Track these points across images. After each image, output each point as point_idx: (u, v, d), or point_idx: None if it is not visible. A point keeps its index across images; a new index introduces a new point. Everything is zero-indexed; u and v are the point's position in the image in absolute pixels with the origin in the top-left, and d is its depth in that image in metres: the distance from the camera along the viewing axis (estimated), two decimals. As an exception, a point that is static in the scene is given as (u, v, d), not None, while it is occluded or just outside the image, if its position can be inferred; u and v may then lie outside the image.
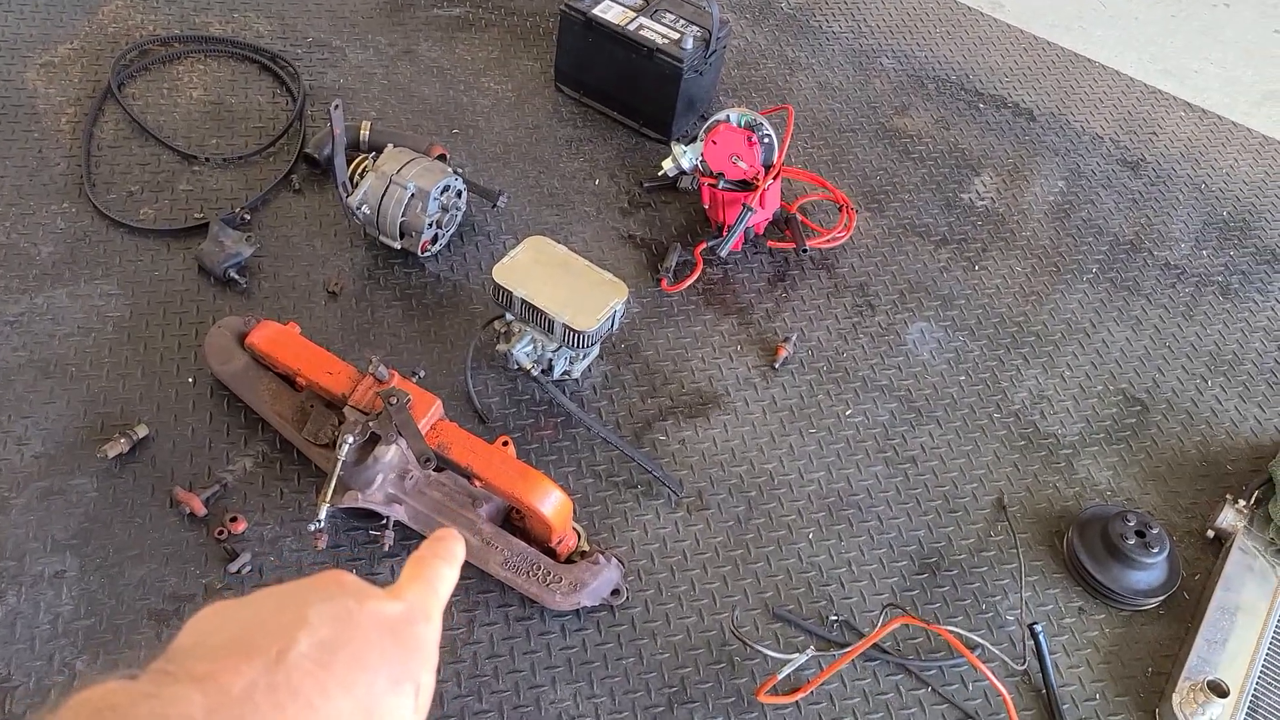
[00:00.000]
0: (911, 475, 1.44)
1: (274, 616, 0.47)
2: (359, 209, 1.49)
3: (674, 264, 1.62)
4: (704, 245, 1.65)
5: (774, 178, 1.60)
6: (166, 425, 1.32)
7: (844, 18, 2.22)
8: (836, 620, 1.27)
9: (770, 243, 1.69)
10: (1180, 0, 3.09)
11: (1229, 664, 1.25)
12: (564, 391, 1.44)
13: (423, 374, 1.33)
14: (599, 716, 1.16)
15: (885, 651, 1.25)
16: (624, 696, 1.17)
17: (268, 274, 1.52)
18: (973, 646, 1.24)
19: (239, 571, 1.20)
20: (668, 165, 1.66)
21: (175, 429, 1.32)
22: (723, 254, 1.63)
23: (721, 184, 1.62)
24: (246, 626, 0.46)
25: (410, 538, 1.23)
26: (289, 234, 1.58)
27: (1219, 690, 1.20)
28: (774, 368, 1.53)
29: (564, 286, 1.37)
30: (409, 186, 1.48)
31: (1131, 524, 1.33)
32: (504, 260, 1.38)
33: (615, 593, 1.24)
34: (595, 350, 1.47)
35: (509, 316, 1.41)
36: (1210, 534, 1.41)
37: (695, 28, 1.76)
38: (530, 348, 1.41)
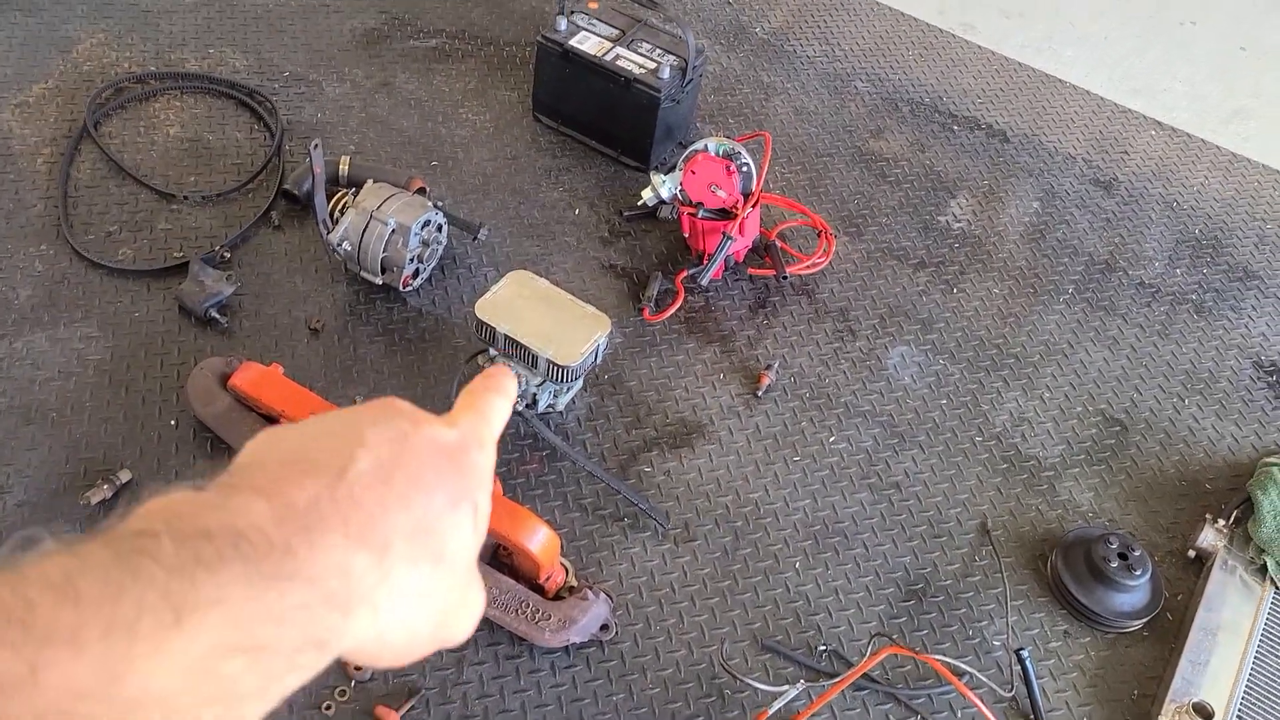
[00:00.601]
0: (896, 501, 1.45)
1: (331, 438, 0.49)
2: (340, 246, 1.49)
3: (655, 293, 1.63)
4: (685, 273, 1.66)
5: (753, 205, 1.61)
6: (150, 469, 1.31)
7: (818, 42, 2.24)
8: (825, 650, 1.28)
9: (751, 270, 1.70)
10: (1148, 19, 3.14)
11: (1212, 684, 1.27)
12: (549, 425, 1.44)
13: (407, 412, 1.33)
14: (591, 754, 1.16)
15: (874, 681, 1.25)
16: (615, 733, 1.18)
17: (249, 312, 1.51)
18: (960, 674, 1.25)
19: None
20: (647, 195, 1.68)
21: (159, 473, 1.31)
22: (704, 282, 1.64)
23: (701, 213, 1.63)
24: (305, 447, 0.48)
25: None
26: (269, 271, 1.57)
27: (1204, 712, 1.22)
28: (757, 395, 1.54)
29: (547, 320, 1.38)
30: (389, 222, 1.48)
31: (1114, 546, 1.34)
32: (486, 295, 1.39)
33: (604, 628, 1.24)
34: (579, 383, 1.48)
35: (492, 351, 1.41)
36: (1191, 554, 1.43)
37: (672, 56, 1.77)
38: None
